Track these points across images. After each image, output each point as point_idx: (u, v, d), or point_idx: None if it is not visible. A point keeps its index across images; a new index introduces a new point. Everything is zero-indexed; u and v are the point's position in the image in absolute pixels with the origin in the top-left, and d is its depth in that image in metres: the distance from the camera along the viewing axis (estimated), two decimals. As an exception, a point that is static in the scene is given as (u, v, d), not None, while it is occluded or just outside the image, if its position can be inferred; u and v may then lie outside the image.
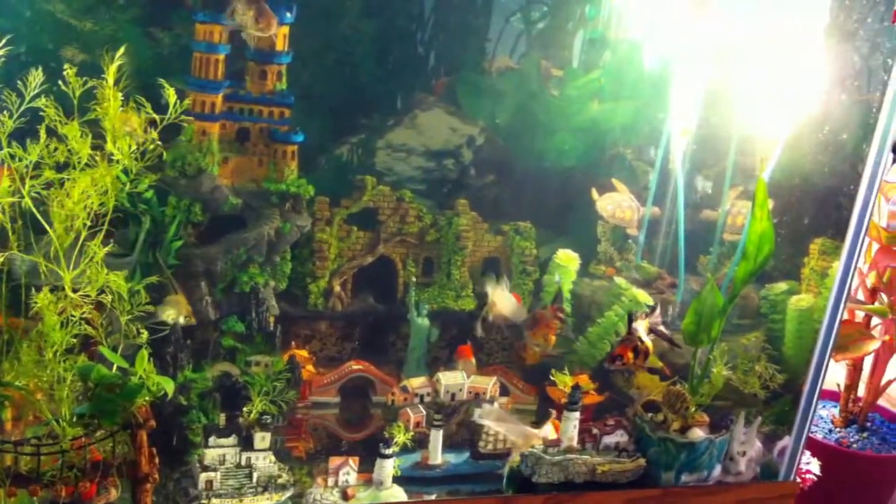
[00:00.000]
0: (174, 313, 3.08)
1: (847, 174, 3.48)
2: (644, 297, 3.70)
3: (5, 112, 2.50)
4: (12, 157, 2.51)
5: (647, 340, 3.19)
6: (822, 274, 3.71)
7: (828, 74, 3.44)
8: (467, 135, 3.69)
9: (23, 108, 2.48)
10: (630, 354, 3.13)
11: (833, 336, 3.45)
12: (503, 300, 3.49)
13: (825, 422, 4.41)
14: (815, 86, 3.45)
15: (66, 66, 2.46)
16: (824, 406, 4.52)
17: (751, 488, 3.47)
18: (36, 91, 2.48)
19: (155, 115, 2.61)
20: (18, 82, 2.50)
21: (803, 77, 3.40)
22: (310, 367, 3.42)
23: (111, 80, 2.53)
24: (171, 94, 2.61)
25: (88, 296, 2.68)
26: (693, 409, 3.33)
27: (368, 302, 3.60)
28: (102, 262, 2.70)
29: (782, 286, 3.83)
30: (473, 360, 3.57)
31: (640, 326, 3.20)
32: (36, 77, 2.48)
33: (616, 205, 3.83)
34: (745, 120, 3.66)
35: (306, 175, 3.31)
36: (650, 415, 3.40)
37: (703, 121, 3.69)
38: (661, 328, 3.28)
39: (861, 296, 4.24)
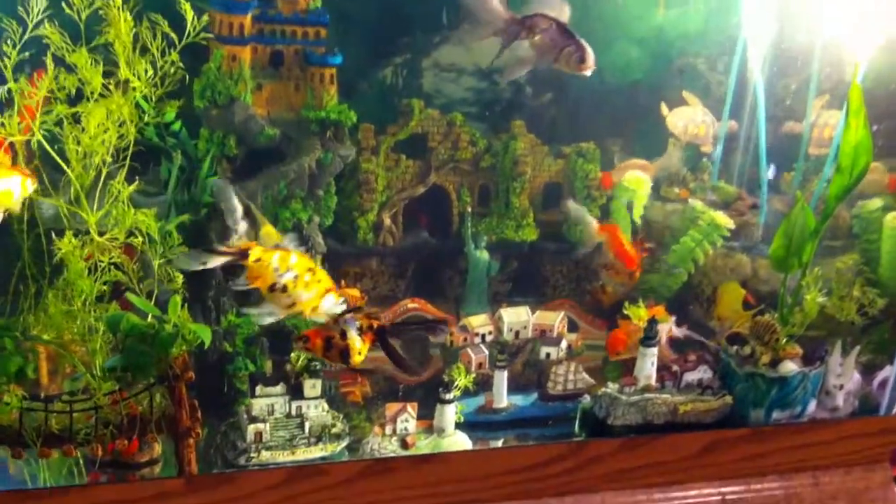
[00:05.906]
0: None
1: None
2: (723, 219, 3.56)
3: (8, 42, 2.31)
4: (20, 92, 2.35)
5: (355, 339, 2.68)
6: (923, 186, 3.54)
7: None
8: (522, 49, 3.57)
9: (26, 37, 2.30)
10: (319, 342, 2.70)
11: (937, 253, 3.28)
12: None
13: (925, 348, 4.23)
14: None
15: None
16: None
17: (850, 424, 3.30)
18: (39, 18, 2.30)
19: (173, 35, 2.42)
20: (19, 8, 2.31)
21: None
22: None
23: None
24: (188, 11, 2.42)
25: (117, 239, 2.54)
26: (784, 340, 3.16)
27: (421, 236, 3.57)
28: (129, 201, 2.57)
29: (877, 202, 3.63)
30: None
31: (353, 323, 2.71)
32: (38, 2, 2.30)
33: (688, 120, 3.72)
34: (831, 21, 3.47)
35: (347, 101, 3.23)
36: (735, 348, 3.24)
37: (781, 24, 3.51)
38: (395, 347, 2.74)
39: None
